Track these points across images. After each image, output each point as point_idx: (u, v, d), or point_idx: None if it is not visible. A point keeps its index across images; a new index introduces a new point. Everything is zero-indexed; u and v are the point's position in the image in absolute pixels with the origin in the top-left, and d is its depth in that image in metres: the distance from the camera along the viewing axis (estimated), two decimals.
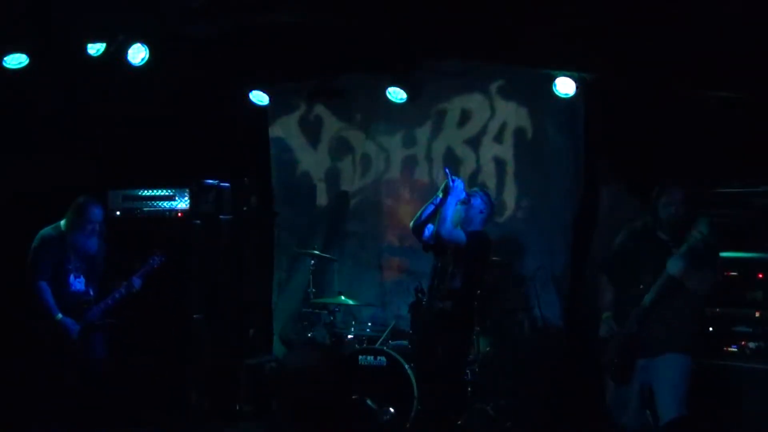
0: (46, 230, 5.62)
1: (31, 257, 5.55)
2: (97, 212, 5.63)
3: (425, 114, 7.29)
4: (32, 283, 5.48)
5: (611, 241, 5.16)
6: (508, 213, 6.96)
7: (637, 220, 4.97)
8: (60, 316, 5.46)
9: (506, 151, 6.98)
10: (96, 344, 5.67)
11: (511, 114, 6.94)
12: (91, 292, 5.70)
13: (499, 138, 6.99)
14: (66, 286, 5.57)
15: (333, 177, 7.68)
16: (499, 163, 7.00)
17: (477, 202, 5.66)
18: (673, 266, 4.61)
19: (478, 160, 7.08)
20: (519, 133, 6.91)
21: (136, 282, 5.71)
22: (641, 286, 4.72)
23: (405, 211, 7.34)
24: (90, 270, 5.69)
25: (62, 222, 5.64)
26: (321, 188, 7.74)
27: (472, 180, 7.03)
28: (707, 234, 4.52)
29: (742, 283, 5.29)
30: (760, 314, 5.24)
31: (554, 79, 6.24)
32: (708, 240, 4.54)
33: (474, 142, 7.10)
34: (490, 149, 7.04)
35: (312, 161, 7.77)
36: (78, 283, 5.63)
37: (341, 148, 7.66)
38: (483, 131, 7.07)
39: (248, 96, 7.40)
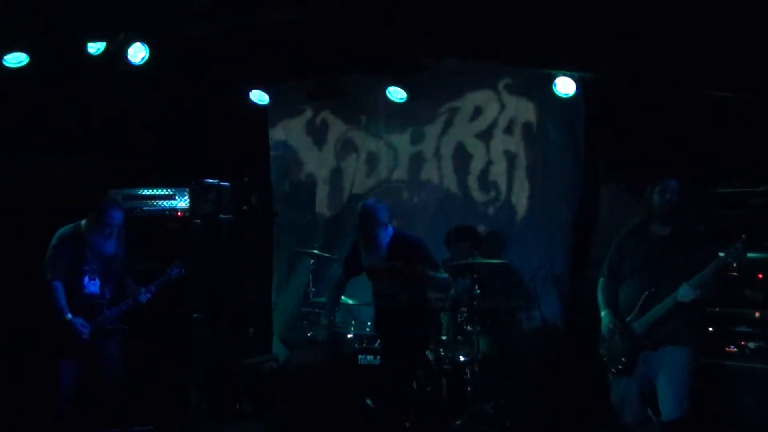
0: (65, 229, 5.62)
1: (48, 255, 5.53)
2: (117, 216, 5.61)
3: (435, 112, 7.28)
4: (47, 282, 5.47)
5: (611, 241, 5.19)
6: (520, 210, 6.94)
7: (633, 221, 5.01)
8: (69, 316, 5.44)
9: (517, 143, 6.95)
10: (109, 349, 5.66)
11: (521, 109, 6.93)
12: (107, 295, 5.69)
13: (509, 130, 6.98)
14: (80, 288, 5.55)
15: (337, 177, 7.68)
16: (510, 158, 6.98)
17: (379, 231, 5.45)
18: (685, 294, 4.61)
19: (489, 154, 7.07)
20: (527, 127, 6.91)
21: (144, 297, 5.72)
22: (652, 289, 4.73)
23: (405, 210, 7.37)
24: (106, 272, 5.67)
25: (82, 222, 5.63)
26: (324, 190, 7.74)
27: (483, 175, 7.05)
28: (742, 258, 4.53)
29: (742, 283, 5.30)
30: (760, 314, 5.25)
31: (554, 79, 6.24)
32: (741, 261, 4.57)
33: (485, 136, 7.08)
34: (500, 142, 7.01)
35: (317, 162, 7.77)
36: (92, 286, 5.61)
37: (346, 148, 7.66)
38: (494, 124, 7.06)
39: (248, 96, 7.40)
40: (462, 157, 7.15)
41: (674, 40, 5.49)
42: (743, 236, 4.55)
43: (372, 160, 7.54)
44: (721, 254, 4.52)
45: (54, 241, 5.56)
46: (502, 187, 6.99)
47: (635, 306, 4.81)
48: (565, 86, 6.23)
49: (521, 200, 6.93)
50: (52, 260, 5.50)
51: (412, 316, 5.46)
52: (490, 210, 7.04)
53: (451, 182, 7.22)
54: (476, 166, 7.10)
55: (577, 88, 6.23)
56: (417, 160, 7.36)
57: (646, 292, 4.75)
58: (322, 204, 7.75)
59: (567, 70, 6.17)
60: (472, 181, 7.09)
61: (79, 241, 5.55)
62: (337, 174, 7.69)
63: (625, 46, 5.72)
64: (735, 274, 5.20)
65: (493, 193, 7.05)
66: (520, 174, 6.93)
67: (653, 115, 6.04)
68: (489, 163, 7.05)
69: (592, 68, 6.10)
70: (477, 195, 7.09)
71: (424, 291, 5.57)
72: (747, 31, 5.18)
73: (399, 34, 6.29)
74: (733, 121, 5.66)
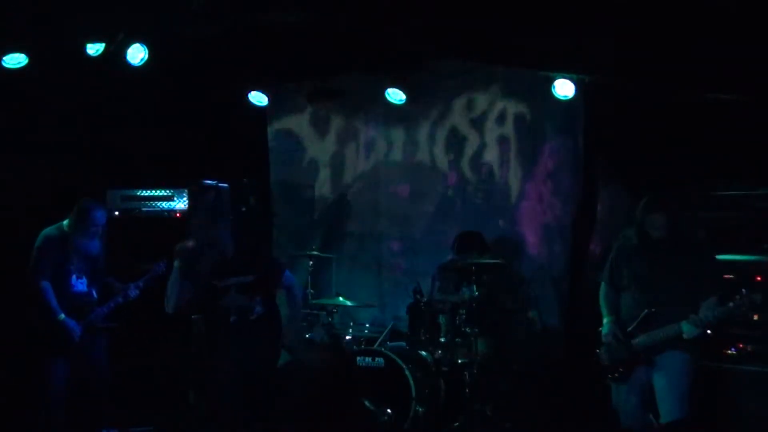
0: (49, 230, 5.63)
1: (33, 256, 5.55)
2: (100, 216, 5.63)
3: (428, 113, 7.31)
4: (35, 283, 5.48)
5: (610, 243, 5.18)
6: (514, 191, 6.94)
7: (630, 228, 4.98)
8: (63, 316, 5.46)
9: (509, 131, 6.96)
10: (99, 347, 5.67)
11: (512, 105, 6.95)
12: (94, 294, 5.70)
13: (501, 120, 7.00)
14: (68, 287, 5.57)
15: (338, 161, 7.75)
16: (503, 142, 7.00)
17: None
18: (689, 331, 4.62)
19: (482, 138, 7.09)
20: (519, 118, 6.92)
21: (133, 292, 5.71)
22: (653, 309, 4.73)
23: (405, 211, 7.37)
24: (92, 271, 5.70)
25: (65, 222, 5.64)
26: (325, 173, 7.80)
27: (476, 158, 7.08)
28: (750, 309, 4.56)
29: (741, 285, 5.26)
30: (759, 317, 5.22)
31: (553, 81, 6.23)
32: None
33: (478, 122, 7.12)
34: (494, 128, 7.03)
35: (319, 149, 7.84)
36: (80, 284, 5.63)
37: (347, 135, 7.74)
38: (488, 112, 7.09)
39: (248, 96, 7.40)
40: (455, 139, 7.19)
41: (674, 41, 5.47)
42: (746, 290, 4.57)
43: (369, 146, 7.61)
44: (731, 305, 4.54)
45: (38, 242, 5.57)
46: (496, 168, 7.01)
47: (635, 318, 4.81)
48: (564, 88, 6.21)
49: (514, 182, 6.93)
50: (39, 261, 5.51)
51: (267, 326, 5.26)
52: (486, 188, 7.05)
53: (443, 164, 7.24)
54: (469, 148, 7.12)
55: (576, 89, 6.21)
56: (411, 144, 7.42)
57: (646, 311, 4.75)
58: (323, 187, 7.82)
59: (566, 72, 6.15)
60: (465, 163, 7.12)
61: (63, 241, 5.56)
62: (337, 158, 7.77)
63: (624, 47, 5.69)
64: (733, 276, 5.18)
65: (485, 175, 7.06)
66: (513, 157, 6.94)
67: (653, 116, 6.02)
68: (482, 145, 7.07)
69: (592, 70, 6.08)
70: (470, 176, 7.12)
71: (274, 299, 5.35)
72: (747, 32, 5.15)
73: (398, 35, 6.28)
74: (734, 123, 5.64)
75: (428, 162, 7.34)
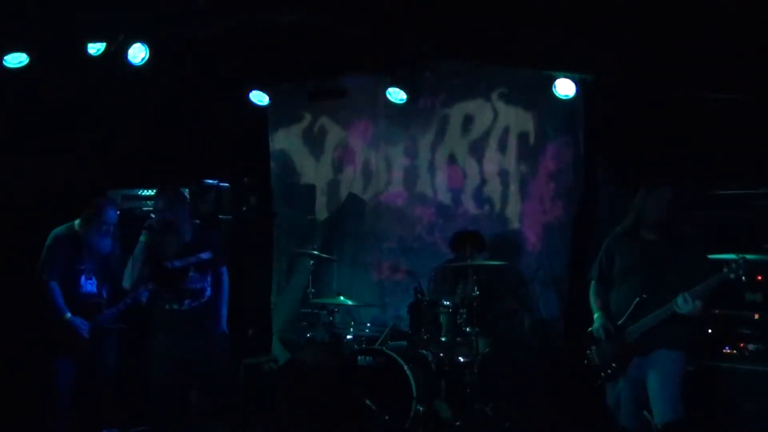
0: (59, 229, 5.62)
1: (44, 256, 5.54)
2: (112, 214, 5.63)
3: (428, 119, 7.28)
4: (43, 283, 5.48)
5: None
6: (513, 222, 6.95)
7: (624, 222, 4.99)
8: (69, 315, 5.45)
9: (510, 160, 6.96)
10: (107, 348, 5.67)
11: (512, 118, 6.93)
12: (104, 294, 5.69)
13: (503, 146, 6.98)
14: (77, 287, 5.55)
15: (335, 188, 7.70)
16: (504, 176, 6.99)
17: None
18: (684, 307, 4.59)
19: (482, 173, 7.08)
20: (522, 137, 6.90)
21: (143, 295, 5.70)
22: (644, 296, 4.72)
23: (404, 213, 7.37)
24: (103, 271, 5.68)
25: (76, 222, 5.63)
26: (322, 200, 7.77)
27: (477, 192, 7.07)
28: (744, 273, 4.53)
29: (741, 285, 5.28)
30: (760, 316, 5.24)
31: (554, 81, 6.24)
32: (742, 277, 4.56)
33: (477, 151, 7.08)
34: (494, 160, 7.02)
35: (315, 173, 7.79)
36: (89, 285, 5.62)
37: (344, 158, 7.67)
38: (486, 137, 7.05)
39: (248, 96, 7.40)
40: (456, 174, 7.16)
41: (674, 41, 5.48)
42: (744, 257, 4.57)
43: (367, 173, 7.56)
44: (725, 270, 4.53)
45: (49, 241, 5.56)
46: (496, 202, 7.02)
47: (626, 311, 4.81)
48: (564, 87, 6.23)
49: (514, 212, 6.94)
50: (48, 260, 5.50)
51: (213, 311, 5.51)
52: (485, 222, 7.03)
53: (445, 197, 7.24)
54: (470, 184, 7.12)
55: (576, 89, 6.22)
56: (411, 174, 7.37)
57: (637, 299, 4.75)
58: (320, 208, 7.78)
59: (567, 72, 6.17)
60: (467, 198, 7.13)
61: (74, 240, 5.55)
62: (334, 185, 7.72)
63: (625, 47, 5.71)
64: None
65: (487, 207, 7.06)
66: (514, 188, 6.95)
67: (653, 116, 6.04)
68: (483, 182, 7.07)
69: (592, 69, 6.10)
70: (472, 209, 7.11)
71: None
72: (747, 32, 5.17)
73: (399, 35, 6.28)
74: (734, 123, 5.66)
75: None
